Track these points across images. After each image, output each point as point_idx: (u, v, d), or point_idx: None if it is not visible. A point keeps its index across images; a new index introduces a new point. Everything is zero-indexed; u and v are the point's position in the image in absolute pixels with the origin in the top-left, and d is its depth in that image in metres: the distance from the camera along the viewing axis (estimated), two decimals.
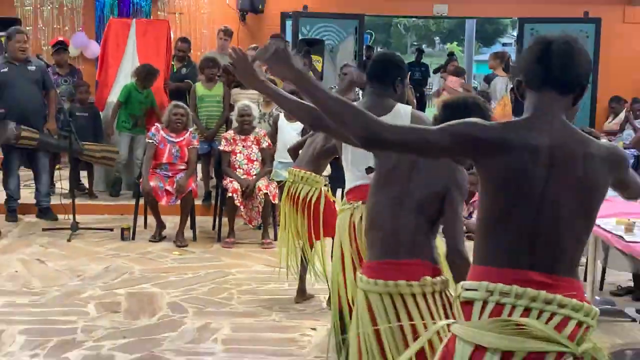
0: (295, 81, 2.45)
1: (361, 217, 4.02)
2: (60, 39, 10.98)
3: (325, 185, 5.73)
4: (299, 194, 5.64)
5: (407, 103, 9.05)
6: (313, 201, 5.54)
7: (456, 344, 2.32)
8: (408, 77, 4.56)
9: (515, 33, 17.53)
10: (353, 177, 4.23)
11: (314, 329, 5.42)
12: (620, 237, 5.02)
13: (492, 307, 2.28)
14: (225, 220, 8.03)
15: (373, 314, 3.05)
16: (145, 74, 9.29)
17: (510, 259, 2.31)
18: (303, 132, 8.41)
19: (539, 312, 2.24)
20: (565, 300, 2.25)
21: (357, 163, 4.17)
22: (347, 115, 2.31)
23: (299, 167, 5.86)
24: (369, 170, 4.00)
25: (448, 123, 2.34)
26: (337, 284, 4.13)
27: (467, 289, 2.34)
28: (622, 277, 6.64)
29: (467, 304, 2.33)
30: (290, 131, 8.34)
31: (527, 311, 2.24)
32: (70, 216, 8.07)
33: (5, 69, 8.52)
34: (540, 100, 2.40)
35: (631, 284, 6.53)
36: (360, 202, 4.08)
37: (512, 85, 12.82)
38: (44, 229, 8.21)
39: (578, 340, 2.24)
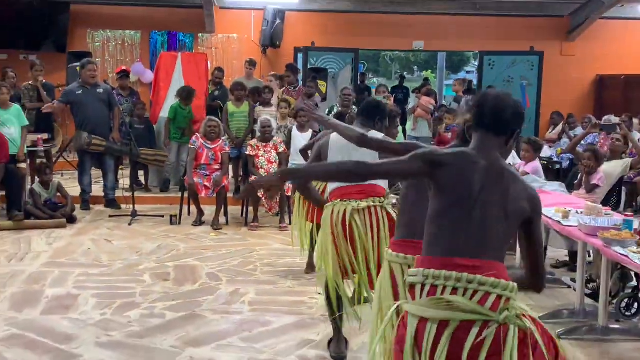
0: (299, 188, 2.63)
1: (339, 212, 4.03)
2: (123, 68, 10.97)
3: None
4: None
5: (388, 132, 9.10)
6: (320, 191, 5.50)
7: (407, 318, 2.39)
8: (391, 104, 4.63)
9: (476, 63, 17.46)
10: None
11: (319, 293, 5.39)
12: (559, 222, 5.02)
13: (428, 288, 2.35)
14: (250, 208, 8.02)
15: (395, 279, 3.11)
16: (186, 94, 9.30)
17: (442, 248, 2.38)
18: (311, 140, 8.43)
19: (464, 290, 2.29)
20: (484, 279, 2.30)
21: None
22: (346, 169, 2.53)
23: None
24: None
25: (413, 153, 2.49)
26: (323, 256, 4.13)
27: (410, 275, 2.43)
28: (560, 253, 6.63)
29: (412, 287, 2.41)
30: (300, 139, 8.34)
31: (455, 290, 2.30)
32: (131, 206, 8.07)
33: (80, 92, 8.53)
34: (478, 138, 2.51)
35: (567, 258, 6.52)
36: (339, 200, 4.08)
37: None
38: (110, 216, 8.20)
39: (500, 310, 2.28)
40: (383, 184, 4.13)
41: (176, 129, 9.34)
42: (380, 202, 4.08)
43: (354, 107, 8.87)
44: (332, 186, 4.22)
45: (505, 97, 2.53)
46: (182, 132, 9.39)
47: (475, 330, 2.27)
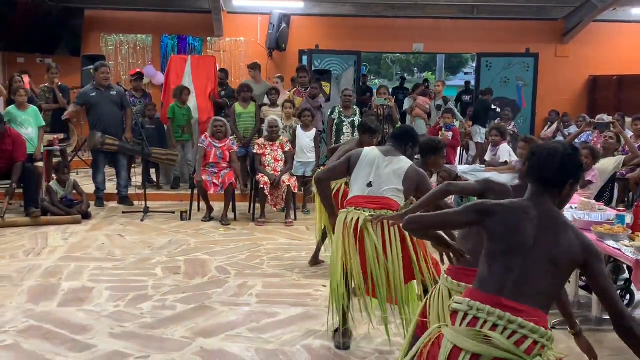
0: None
1: (352, 219, 4.03)
2: (138, 70, 10.96)
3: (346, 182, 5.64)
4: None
5: (392, 120, 9.05)
6: (333, 192, 5.48)
7: (442, 341, 2.38)
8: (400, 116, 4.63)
9: (474, 64, 17.45)
10: (355, 189, 4.23)
11: (324, 286, 5.41)
12: None
13: (470, 319, 2.35)
14: (257, 205, 8.03)
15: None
16: (180, 93, 9.33)
17: (491, 287, 2.37)
18: (315, 139, 8.42)
19: (503, 328, 2.29)
20: (525, 323, 2.29)
21: (361, 180, 4.19)
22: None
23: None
24: (369, 185, 4.16)
25: (466, 205, 2.59)
26: (336, 260, 4.11)
27: (455, 302, 2.43)
28: None
29: (454, 313, 2.41)
30: (305, 138, 8.36)
31: (494, 327, 2.30)
32: (143, 202, 8.08)
33: (94, 94, 8.54)
34: (531, 188, 2.52)
35: None
36: (353, 207, 4.11)
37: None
38: (123, 212, 8.21)
39: (533, 355, 2.28)
40: (397, 200, 4.11)
41: (176, 127, 9.35)
42: (387, 213, 3.96)
43: (355, 107, 8.88)
44: (351, 194, 4.26)
45: (556, 152, 2.48)
46: (182, 131, 9.40)
47: None
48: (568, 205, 5.13)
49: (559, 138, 10.84)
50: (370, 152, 4.32)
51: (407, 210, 3.59)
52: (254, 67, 10.77)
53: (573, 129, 10.81)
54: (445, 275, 3.18)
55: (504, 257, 2.39)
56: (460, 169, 7.93)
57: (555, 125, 11.80)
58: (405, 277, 3.99)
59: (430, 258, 4.11)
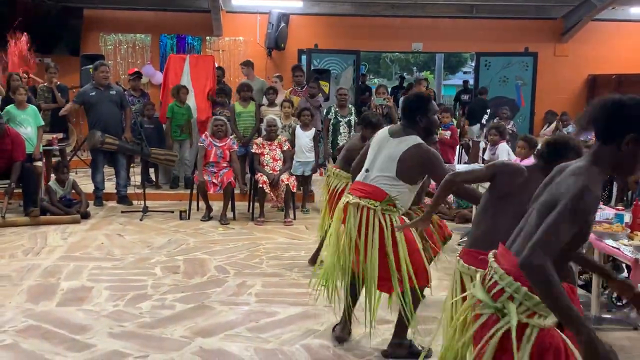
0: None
1: (341, 202, 4.08)
2: (136, 70, 10.95)
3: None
4: (332, 185, 5.63)
5: (392, 119, 9.03)
6: (338, 192, 5.47)
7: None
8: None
9: (473, 64, 17.46)
10: (358, 175, 4.21)
11: (323, 285, 5.41)
12: None
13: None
14: (256, 204, 8.03)
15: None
16: (177, 92, 9.34)
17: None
18: (314, 138, 8.42)
19: (490, 275, 2.38)
20: (497, 268, 2.30)
21: (364, 165, 4.17)
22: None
23: (335, 166, 5.89)
24: (366, 170, 4.08)
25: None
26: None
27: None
28: None
29: None
30: (304, 138, 8.36)
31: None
32: (142, 202, 8.07)
33: (93, 93, 8.54)
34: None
35: None
36: (348, 192, 4.14)
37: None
38: (122, 212, 8.21)
39: (499, 301, 2.24)
40: (386, 189, 3.94)
41: (175, 127, 9.35)
42: (374, 206, 3.92)
43: (350, 106, 8.87)
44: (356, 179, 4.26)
45: (611, 99, 2.21)
46: (181, 130, 9.39)
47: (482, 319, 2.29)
48: None
49: None
50: (380, 134, 4.17)
51: (424, 216, 3.57)
52: (247, 64, 10.78)
53: (572, 129, 10.81)
54: (458, 258, 3.19)
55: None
56: (459, 168, 7.93)
57: (554, 124, 11.80)
58: (380, 274, 3.92)
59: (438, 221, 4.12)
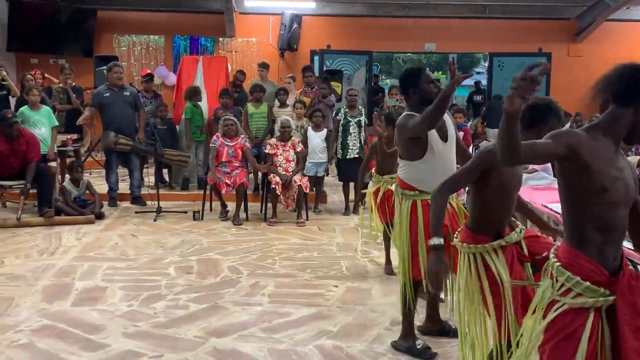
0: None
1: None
2: (149, 71, 11.00)
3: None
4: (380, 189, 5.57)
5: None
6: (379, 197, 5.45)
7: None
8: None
9: (486, 64, 17.40)
10: None
11: (335, 286, 5.42)
12: None
13: None
14: (269, 205, 8.04)
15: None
16: (193, 93, 9.35)
17: None
18: (327, 139, 8.41)
19: None
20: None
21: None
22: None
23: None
24: None
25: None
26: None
27: None
28: None
29: None
30: (316, 138, 8.36)
31: None
32: (156, 202, 8.11)
33: (107, 94, 8.59)
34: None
35: None
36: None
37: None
38: (136, 212, 8.25)
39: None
40: (400, 174, 4.02)
41: (194, 127, 9.37)
42: (395, 190, 4.15)
43: (360, 107, 8.82)
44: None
45: (629, 64, 2.28)
46: (200, 131, 9.42)
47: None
48: None
49: None
50: None
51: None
52: (264, 66, 10.79)
53: None
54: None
55: None
56: None
57: (568, 125, 11.73)
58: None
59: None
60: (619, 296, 2.22)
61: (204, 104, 9.68)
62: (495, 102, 12.22)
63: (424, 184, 3.88)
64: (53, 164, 8.28)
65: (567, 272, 2.26)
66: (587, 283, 2.23)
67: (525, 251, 3.09)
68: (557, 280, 2.28)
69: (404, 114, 3.97)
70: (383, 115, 6.23)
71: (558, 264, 2.30)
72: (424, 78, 3.92)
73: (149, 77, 10.44)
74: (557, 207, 5.05)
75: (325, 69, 12.73)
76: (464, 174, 3.00)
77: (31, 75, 9.52)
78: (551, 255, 2.37)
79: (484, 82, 15.27)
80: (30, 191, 7.77)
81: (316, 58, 13.65)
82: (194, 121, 9.34)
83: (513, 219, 3.20)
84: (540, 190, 5.83)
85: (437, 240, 2.90)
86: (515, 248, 3.05)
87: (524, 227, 3.20)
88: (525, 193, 5.73)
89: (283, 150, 8.04)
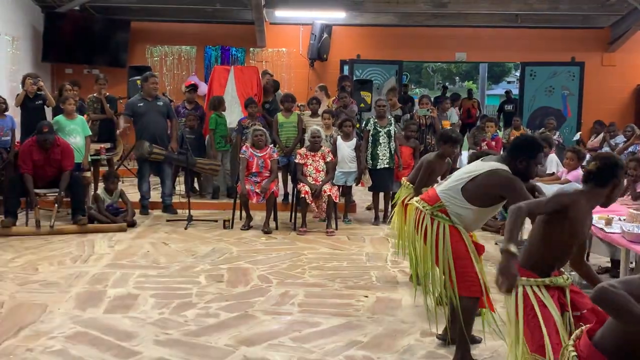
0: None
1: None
2: (192, 82, 10.94)
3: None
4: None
5: (435, 130, 8.92)
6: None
7: None
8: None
9: (517, 73, 17.24)
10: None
11: (366, 296, 5.39)
12: (601, 228, 4.90)
13: None
14: (299, 214, 8.04)
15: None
16: (218, 103, 9.42)
17: None
18: (356, 149, 8.39)
19: None
20: None
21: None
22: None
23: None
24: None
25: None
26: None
27: None
28: (602, 260, 6.47)
29: None
30: (346, 148, 8.35)
31: None
32: (187, 211, 8.17)
33: (141, 104, 8.69)
34: None
35: (609, 265, 6.36)
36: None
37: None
38: (167, 220, 8.32)
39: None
40: (444, 197, 4.01)
41: (219, 137, 9.42)
42: (423, 207, 4.11)
43: (389, 117, 8.75)
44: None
45: None
46: (225, 141, 9.46)
47: None
48: (617, 217, 5.03)
49: (606, 148, 10.61)
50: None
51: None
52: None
53: (620, 139, 10.58)
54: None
55: None
56: None
57: (601, 135, 11.56)
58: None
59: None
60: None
61: (237, 112, 9.71)
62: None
63: (463, 222, 4.00)
64: (87, 173, 8.38)
65: None
66: None
67: (568, 300, 3.13)
68: None
69: (502, 169, 3.77)
70: (440, 137, 6.16)
71: (574, 354, 2.35)
72: (538, 159, 3.85)
73: (192, 88, 10.27)
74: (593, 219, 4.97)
75: (355, 78, 12.73)
76: (540, 205, 3.09)
77: (70, 85, 9.67)
78: (570, 344, 2.41)
79: (515, 91, 15.12)
80: (64, 199, 7.89)
81: (346, 68, 13.67)
82: (218, 131, 9.39)
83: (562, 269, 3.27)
84: None
85: (514, 248, 2.93)
86: (558, 293, 3.10)
87: (571, 276, 3.25)
88: None
89: (313, 160, 8.05)
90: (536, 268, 3.10)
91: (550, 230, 3.08)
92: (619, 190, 3.10)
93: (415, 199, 4.31)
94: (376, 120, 8.53)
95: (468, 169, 4.06)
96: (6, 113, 8.62)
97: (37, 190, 7.68)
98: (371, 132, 8.45)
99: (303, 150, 8.16)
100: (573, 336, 2.46)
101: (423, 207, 4.10)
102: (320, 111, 9.25)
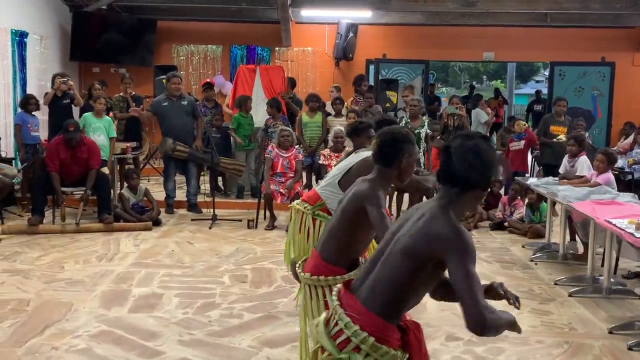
0: None
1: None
2: (208, 80, 11.08)
3: None
4: None
5: (463, 129, 8.84)
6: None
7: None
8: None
9: (546, 73, 17.06)
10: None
11: None
12: (631, 233, 4.82)
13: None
14: None
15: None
16: (243, 102, 9.46)
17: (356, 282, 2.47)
18: None
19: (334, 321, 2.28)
20: (343, 316, 2.24)
21: None
22: None
23: None
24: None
25: None
26: None
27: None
28: (632, 264, 6.37)
29: None
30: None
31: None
32: (211, 210, 8.21)
33: (166, 103, 8.76)
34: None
35: (639, 269, 6.26)
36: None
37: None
38: (192, 219, 8.37)
39: (345, 351, 2.20)
40: (324, 194, 4.10)
41: (242, 137, 9.44)
42: (304, 208, 4.19)
43: (423, 117, 8.65)
44: None
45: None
46: (249, 140, 9.49)
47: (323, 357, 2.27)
48: None
49: (637, 150, 10.44)
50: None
51: None
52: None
53: None
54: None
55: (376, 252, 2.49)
56: (532, 181, 7.71)
57: (631, 137, 11.37)
58: None
59: None
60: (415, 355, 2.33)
61: (263, 113, 9.73)
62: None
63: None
64: (105, 170, 8.35)
65: (383, 347, 2.23)
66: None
67: None
68: (367, 356, 2.22)
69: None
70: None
71: (372, 339, 2.20)
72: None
73: (208, 86, 10.40)
74: (620, 222, 4.90)
75: (380, 78, 12.70)
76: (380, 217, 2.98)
77: (100, 84, 9.78)
78: (352, 329, 2.23)
79: (545, 90, 14.96)
80: (90, 197, 7.97)
81: (371, 67, 13.64)
82: (242, 130, 9.41)
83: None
84: (604, 205, 5.65)
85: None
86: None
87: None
88: (588, 208, 5.59)
89: (337, 160, 8.02)
90: (343, 263, 3.12)
91: (356, 227, 3.06)
92: (408, 163, 2.91)
93: (297, 200, 4.39)
94: (409, 120, 8.41)
95: (343, 163, 4.17)
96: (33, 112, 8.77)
97: (63, 189, 7.77)
98: None
99: (327, 152, 8.15)
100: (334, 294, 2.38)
101: (304, 208, 4.19)
102: (344, 111, 9.24)
